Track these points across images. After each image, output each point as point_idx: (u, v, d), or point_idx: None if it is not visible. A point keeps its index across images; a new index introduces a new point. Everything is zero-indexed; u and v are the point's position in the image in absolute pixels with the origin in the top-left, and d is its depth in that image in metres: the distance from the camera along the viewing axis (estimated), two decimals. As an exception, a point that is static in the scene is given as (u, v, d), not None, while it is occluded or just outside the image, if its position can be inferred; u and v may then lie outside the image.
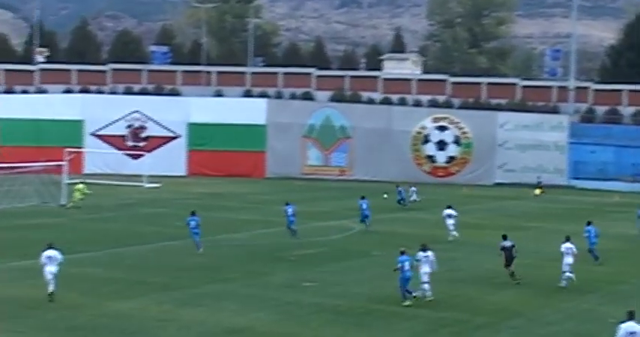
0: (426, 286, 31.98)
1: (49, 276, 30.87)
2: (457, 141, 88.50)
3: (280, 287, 33.96)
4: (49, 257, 31.33)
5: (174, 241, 45.10)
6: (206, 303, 30.82)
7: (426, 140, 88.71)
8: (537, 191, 76.99)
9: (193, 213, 42.63)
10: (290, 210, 47.77)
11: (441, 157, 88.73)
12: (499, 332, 28.00)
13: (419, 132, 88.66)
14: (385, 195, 65.74)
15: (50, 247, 31.98)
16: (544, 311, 30.92)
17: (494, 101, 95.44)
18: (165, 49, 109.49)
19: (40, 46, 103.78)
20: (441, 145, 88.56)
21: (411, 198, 65.59)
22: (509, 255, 35.68)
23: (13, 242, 43.61)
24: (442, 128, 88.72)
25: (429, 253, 32.28)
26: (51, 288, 30.78)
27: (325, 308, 30.48)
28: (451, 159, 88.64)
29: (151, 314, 29.05)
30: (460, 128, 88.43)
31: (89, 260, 39.17)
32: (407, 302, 31.06)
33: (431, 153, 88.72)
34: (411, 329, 27.96)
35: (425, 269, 32.03)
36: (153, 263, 38.80)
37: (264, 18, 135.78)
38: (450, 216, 48.24)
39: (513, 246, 35.80)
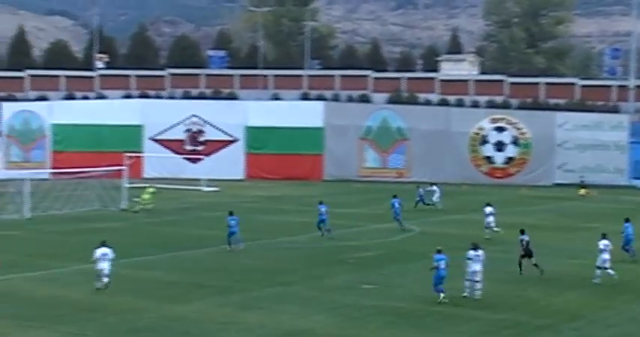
0: (478, 285, 32.29)
1: (100, 272, 32.90)
2: (515, 142, 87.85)
3: (339, 290, 33.96)
4: (103, 254, 33.38)
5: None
6: (266, 306, 30.92)
7: (484, 141, 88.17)
8: (582, 191, 75.77)
9: (231, 213, 43.72)
10: (323, 209, 48.51)
11: (499, 158, 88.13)
12: (560, 334, 27.73)
13: (477, 133, 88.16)
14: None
15: (103, 244, 33.60)
16: (605, 313, 30.58)
17: (552, 101, 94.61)
18: (222, 53, 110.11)
19: (100, 52, 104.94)
20: (499, 146, 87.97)
21: (433, 198, 63.37)
22: (527, 248, 36.91)
23: (75, 246, 44.14)
24: (500, 129, 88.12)
25: (480, 252, 32.83)
26: (99, 285, 32.84)
27: (384, 311, 30.43)
28: (509, 159, 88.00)
29: (212, 317, 29.21)
30: (518, 128, 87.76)
31: (149, 264, 39.52)
32: (440, 300, 31.42)
33: (489, 154, 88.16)
34: (471, 331, 27.80)
35: (475, 267, 32.48)
36: (212, 267, 39.01)
37: (321, 21, 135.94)
38: (490, 213, 49.19)
39: (529, 241, 37.31)
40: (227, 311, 30.20)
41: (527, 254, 36.89)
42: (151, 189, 62.18)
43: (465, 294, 32.50)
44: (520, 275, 36.50)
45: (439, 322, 28.97)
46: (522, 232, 38.13)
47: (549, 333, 27.81)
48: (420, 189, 63.38)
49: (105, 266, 33.16)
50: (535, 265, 36.45)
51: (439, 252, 32.24)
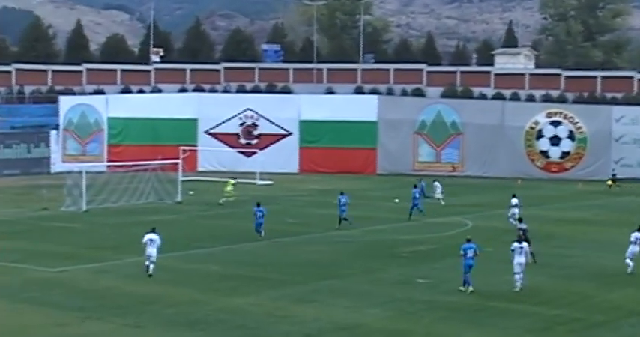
0: (517, 276, 32.83)
1: (149, 257, 34.85)
2: (571, 136, 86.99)
3: (393, 284, 33.99)
4: (151, 240, 35.10)
5: (286, 238, 45.51)
6: (320, 299, 31.05)
7: (540, 135, 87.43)
8: (609, 182, 76.54)
9: (258, 205, 45.68)
10: (343, 200, 49.78)
11: (554, 152, 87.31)
12: (617, 331, 27.51)
13: (532, 128, 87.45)
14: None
15: (153, 231, 35.64)
16: (663, 310, 30.28)
17: (609, 95, 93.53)
18: (276, 47, 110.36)
19: (156, 46, 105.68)
20: (555, 140, 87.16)
21: (435, 195, 62.09)
22: (525, 236, 37.61)
23: (131, 238, 44.48)
24: (556, 123, 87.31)
25: (524, 245, 33.68)
26: (151, 271, 34.70)
27: (438, 305, 30.41)
28: (565, 154, 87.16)
29: (266, 310, 29.40)
30: (574, 123, 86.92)
31: (205, 257, 39.85)
32: (462, 288, 32.46)
33: (544, 149, 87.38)
34: (526, 327, 27.68)
35: (519, 259, 33.13)
36: (267, 260, 39.23)
37: (375, 15, 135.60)
38: (515, 205, 50.57)
39: (527, 230, 38.86)
40: (282, 304, 30.37)
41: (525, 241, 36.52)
42: (232, 182, 62.68)
43: (516, 289, 32.67)
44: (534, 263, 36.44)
45: (493, 317, 28.89)
46: (520, 221, 40.28)
47: (606, 330, 27.60)
48: (422, 182, 62.65)
49: (153, 251, 34.82)
50: (531, 253, 36.36)
51: (468, 241, 33.19)
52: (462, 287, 32.58)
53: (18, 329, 26.91)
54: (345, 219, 49.56)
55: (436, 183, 63.57)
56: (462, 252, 32.83)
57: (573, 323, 28.35)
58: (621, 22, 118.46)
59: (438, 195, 62.37)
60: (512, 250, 33.35)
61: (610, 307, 30.59)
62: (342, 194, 50.67)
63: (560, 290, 33.02)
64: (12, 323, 27.55)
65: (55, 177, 72.48)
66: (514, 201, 51.06)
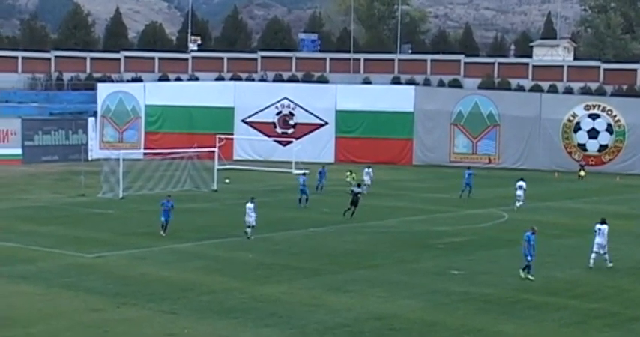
0: (593, 255, 35.38)
1: (248, 222, 40.93)
2: (609, 130, 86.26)
3: (428, 275, 33.84)
4: (250, 208, 41.09)
5: (321, 227, 45.46)
6: (354, 289, 30.97)
7: (578, 128, 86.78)
8: (582, 173, 78.57)
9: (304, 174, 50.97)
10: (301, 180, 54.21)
11: (592, 146, 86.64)
12: (653, 325, 27.23)
13: (570, 120, 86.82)
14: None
15: (252, 200, 41.66)
16: (701, 305, 29.92)
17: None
18: (314, 36, 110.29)
19: (193, 35, 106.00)
20: (593, 133, 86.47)
21: (364, 182, 60.68)
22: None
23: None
24: (594, 116, 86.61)
25: (604, 227, 35.65)
26: (248, 231, 40.96)
27: (473, 297, 30.23)
28: (603, 147, 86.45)
29: (300, 299, 29.37)
30: (613, 116, 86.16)
31: (240, 245, 39.87)
32: (522, 274, 33.17)
33: (582, 142, 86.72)
34: (561, 320, 27.45)
35: (597, 240, 35.60)
36: (301, 249, 39.21)
37: (413, 5, 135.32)
38: (520, 187, 53.85)
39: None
40: (315, 293, 30.32)
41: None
42: (349, 173, 62.96)
43: (589, 265, 35.40)
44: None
45: (529, 309, 28.67)
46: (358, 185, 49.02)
47: (642, 324, 27.34)
48: (322, 169, 62.82)
49: (250, 219, 41.11)
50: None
51: (531, 231, 33.71)
52: (522, 274, 33.25)
53: (54, 314, 27.06)
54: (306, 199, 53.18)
55: (366, 170, 63.31)
56: (523, 241, 33.50)
57: (609, 317, 28.08)
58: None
59: (367, 181, 61.51)
60: (595, 231, 35.75)
61: (647, 302, 30.29)
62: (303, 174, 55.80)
63: (596, 284, 32.73)
64: (48, 308, 27.72)
65: (92, 163, 72.88)
66: (520, 183, 54.39)
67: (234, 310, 27.83)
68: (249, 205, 41.25)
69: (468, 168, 63.83)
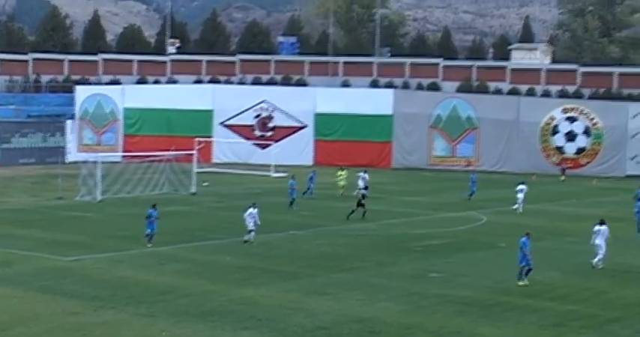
0: (599, 256, 36.31)
1: (248, 227, 40.76)
2: (587, 132, 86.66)
3: (406, 278, 33.91)
4: (250, 214, 40.62)
5: (301, 230, 45.47)
6: (333, 292, 30.99)
7: (555, 131, 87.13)
8: (562, 177, 79.20)
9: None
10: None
11: (570, 148, 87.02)
12: (631, 327, 27.35)
13: (548, 123, 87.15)
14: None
15: (253, 205, 41.17)
16: (678, 307, 30.10)
17: (626, 91, 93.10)
18: (293, 39, 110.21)
19: (172, 38, 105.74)
20: (571, 136, 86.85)
21: (358, 187, 60.01)
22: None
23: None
24: (572, 119, 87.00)
25: (603, 227, 36.60)
26: (249, 237, 40.62)
27: (451, 300, 30.31)
28: (581, 150, 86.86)
29: (279, 302, 29.37)
30: (590, 119, 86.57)
31: (218, 248, 39.84)
32: (520, 283, 32.75)
33: (560, 144, 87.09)
34: (539, 322, 27.57)
35: (596, 241, 36.49)
36: (280, 252, 39.21)
37: (392, 8, 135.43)
38: (521, 190, 54.55)
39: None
40: (294, 296, 30.33)
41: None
42: (343, 172, 63.32)
43: (594, 265, 36.39)
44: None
45: (507, 312, 28.78)
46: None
47: (620, 326, 27.46)
48: (312, 174, 62.40)
49: (250, 224, 40.72)
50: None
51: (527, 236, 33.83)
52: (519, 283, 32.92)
53: (31, 317, 26.94)
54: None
55: (361, 174, 62.20)
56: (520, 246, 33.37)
57: (587, 319, 28.22)
58: (639, 18, 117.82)
59: (361, 186, 60.10)
60: (594, 232, 36.59)
61: (624, 303, 30.44)
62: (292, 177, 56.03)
63: (574, 286, 32.90)
64: (25, 311, 27.60)
65: (70, 166, 72.57)
66: (521, 186, 55.02)
67: (212, 313, 27.80)
68: (251, 210, 41.07)
69: (473, 172, 64.49)
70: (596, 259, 36.48)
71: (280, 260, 37.25)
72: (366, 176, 61.90)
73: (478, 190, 61.91)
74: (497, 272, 35.18)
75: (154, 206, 40.55)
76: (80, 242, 40.50)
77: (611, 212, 56.36)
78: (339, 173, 63.35)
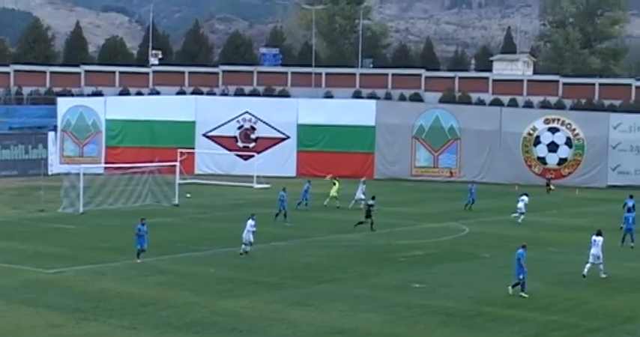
0: (587, 265, 36.68)
1: (245, 239, 40.63)
2: (569, 143, 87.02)
3: (389, 288, 33.97)
4: (250, 225, 40.73)
5: (283, 241, 45.48)
6: (315, 303, 31.03)
7: (537, 142, 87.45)
8: (551, 187, 79.45)
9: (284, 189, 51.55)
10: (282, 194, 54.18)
11: (552, 159, 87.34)
12: (612, 337, 27.53)
13: (530, 134, 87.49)
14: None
15: (252, 217, 41.23)
16: (659, 317, 30.26)
17: (607, 102, 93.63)
18: (275, 51, 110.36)
19: (154, 49, 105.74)
20: (553, 147, 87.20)
21: (356, 197, 61.46)
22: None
23: (127, 240, 44.43)
24: (553, 129, 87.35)
25: (600, 238, 37.09)
26: (245, 249, 40.75)
27: (434, 310, 30.39)
28: (562, 161, 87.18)
29: (261, 313, 29.39)
30: (572, 129, 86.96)
31: (201, 259, 39.82)
32: (510, 291, 33.07)
33: (542, 155, 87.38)
34: (521, 333, 27.68)
35: (592, 250, 36.97)
36: (262, 263, 39.21)
37: (374, 19, 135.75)
38: (522, 201, 54.98)
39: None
40: (276, 307, 30.35)
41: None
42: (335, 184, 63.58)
43: (583, 273, 36.66)
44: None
45: (489, 322, 28.88)
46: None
47: (601, 336, 27.59)
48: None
49: (250, 237, 40.72)
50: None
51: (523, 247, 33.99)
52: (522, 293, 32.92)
53: (13, 330, 26.87)
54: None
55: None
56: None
57: (568, 329, 28.34)
58: (619, 30, 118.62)
59: (359, 195, 61.76)
60: (590, 242, 37.14)
61: (606, 313, 30.58)
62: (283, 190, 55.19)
63: (556, 297, 33.03)
64: (7, 324, 27.52)
65: (52, 178, 72.29)
66: (523, 197, 55.48)
67: (194, 325, 27.80)
68: (251, 222, 41.00)
69: (473, 182, 66.37)
70: (585, 269, 36.83)
71: (263, 271, 37.27)
72: (365, 186, 62.66)
73: (465, 201, 62.06)
74: (480, 283, 35.30)
75: (142, 221, 39.80)
76: (62, 254, 40.41)
77: (594, 222, 56.53)
78: (334, 182, 63.70)
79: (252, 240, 40.85)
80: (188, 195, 64.38)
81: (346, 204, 60.84)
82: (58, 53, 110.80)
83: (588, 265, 36.93)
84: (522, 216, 54.93)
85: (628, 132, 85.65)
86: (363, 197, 60.23)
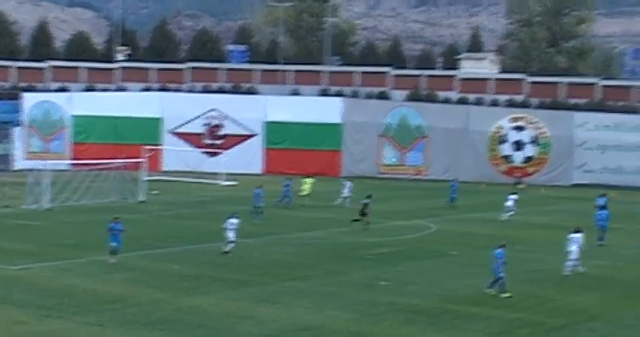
0: (569, 263, 36.83)
1: (228, 238, 40.61)
2: (534, 142, 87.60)
3: (355, 286, 34.01)
4: (230, 223, 40.67)
5: (249, 239, 45.38)
6: (281, 300, 31.02)
7: (503, 140, 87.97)
8: (521, 186, 79.01)
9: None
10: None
11: (517, 157, 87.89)
12: (576, 334, 27.71)
13: (496, 132, 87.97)
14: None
15: (234, 215, 41.08)
16: (624, 314, 30.53)
17: (572, 101, 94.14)
18: (242, 47, 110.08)
19: (121, 45, 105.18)
20: (518, 145, 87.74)
21: (342, 195, 62.55)
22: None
23: (93, 237, 44.34)
24: (519, 128, 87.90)
25: (579, 235, 37.53)
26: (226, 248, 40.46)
27: (400, 308, 30.46)
28: (528, 159, 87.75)
29: (227, 311, 29.33)
30: (538, 128, 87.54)
31: (167, 256, 39.69)
32: (489, 291, 32.94)
33: (508, 153, 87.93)
34: (486, 330, 27.81)
35: (571, 248, 37.06)
36: (229, 260, 39.12)
37: (341, 17, 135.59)
38: (513, 199, 55.07)
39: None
40: (243, 304, 30.31)
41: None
42: (310, 180, 64.13)
43: (566, 273, 36.84)
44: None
45: (454, 320, 28.99)
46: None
47: (565, 333, 27.80)
48: (289, 182, 62.18)
49: (230, 234, 40.61)
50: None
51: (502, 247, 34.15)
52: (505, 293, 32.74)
53: (-24, 327, 26.66)
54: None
55: (348, 183, 64.44)
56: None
57: (532, 326, 28.50)
58: (585, 29, 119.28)
59: (346, 194, 62.54)
60: (568, 239, 37.36)
61: (570, 311, 30.79)
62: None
63: (522, 294, 33.18)
64: (-30, 321, 27.29)
65: (17, 174, 71.93)
66: (512, 196, 56.06)
67: (161, 322, 27.69)
68: (233, 220, 40.80)
69: (455, 180, 66.54)
70: (566, 266, 37.19)
71: (230, 268, 37.19)
72: (351, 184, 63.23)
73: (432, 199, 62.32)
74: (446, 281, 35.43)
75: (115, 219, 39.12)
76: (27, 250, 40.13)
77: (558, 220, 57.09)
78: (305, 180, 63.56)
79: (232, 238, 40.57)
80: (155, 192, 64.11)
81: (318, 202, 60.90)
82: (23, 48, 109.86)
83: (569, 263, 37.12)
84: (512, 213, 55.48)
85: (593, 131, 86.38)
86: (348, 195, 61.03)
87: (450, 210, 60.75)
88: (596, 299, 32.80)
